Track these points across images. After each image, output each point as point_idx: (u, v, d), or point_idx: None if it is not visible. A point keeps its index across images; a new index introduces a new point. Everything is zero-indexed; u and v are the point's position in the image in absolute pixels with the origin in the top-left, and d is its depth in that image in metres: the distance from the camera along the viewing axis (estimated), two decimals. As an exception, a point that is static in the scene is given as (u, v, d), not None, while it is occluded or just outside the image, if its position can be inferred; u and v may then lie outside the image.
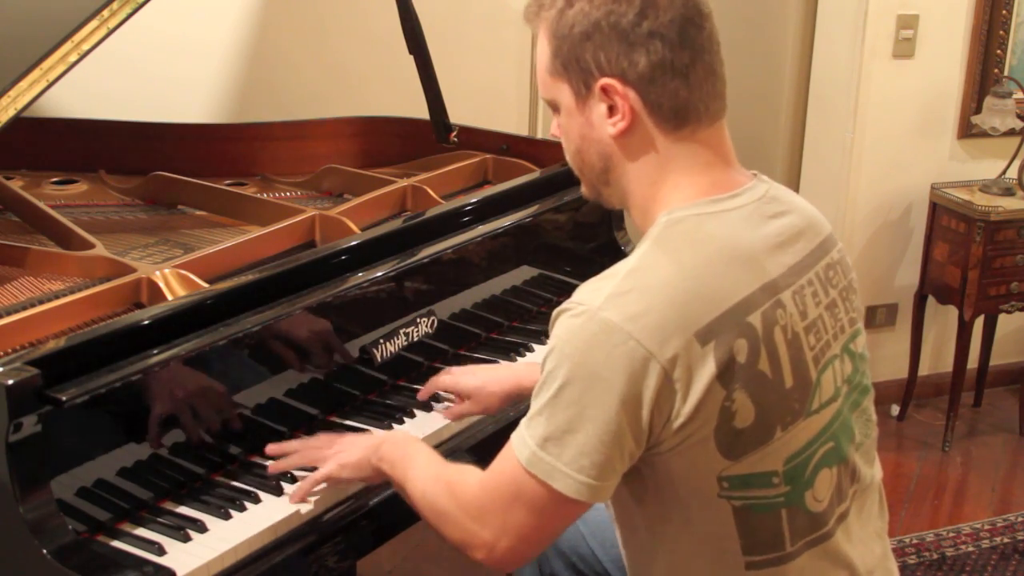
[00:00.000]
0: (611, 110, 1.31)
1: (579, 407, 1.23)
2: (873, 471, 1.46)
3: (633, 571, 1.44)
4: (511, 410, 1.82)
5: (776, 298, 1.30)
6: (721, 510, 1.30)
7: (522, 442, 1.28)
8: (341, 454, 1.57)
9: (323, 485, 1.58)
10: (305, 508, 1.56)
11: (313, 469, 1.59)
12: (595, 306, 1.24)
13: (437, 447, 1.75)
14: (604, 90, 1.30)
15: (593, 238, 2.34)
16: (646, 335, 1.21)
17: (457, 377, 1.81)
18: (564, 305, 1.28)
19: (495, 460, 1.34)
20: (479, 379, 1.79)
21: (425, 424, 1.79)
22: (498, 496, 1.31)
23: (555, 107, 1.38)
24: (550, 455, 1.25)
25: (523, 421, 1.30)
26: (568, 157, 1.41)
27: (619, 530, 1.44)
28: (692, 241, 1.29)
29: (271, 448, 1.64)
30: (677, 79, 1.29)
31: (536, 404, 1.28)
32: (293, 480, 1.60)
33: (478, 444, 1.81)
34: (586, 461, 1.24)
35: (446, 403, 1.84)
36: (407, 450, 1.51)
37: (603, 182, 1.38)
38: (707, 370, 1.23)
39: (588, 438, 1.24)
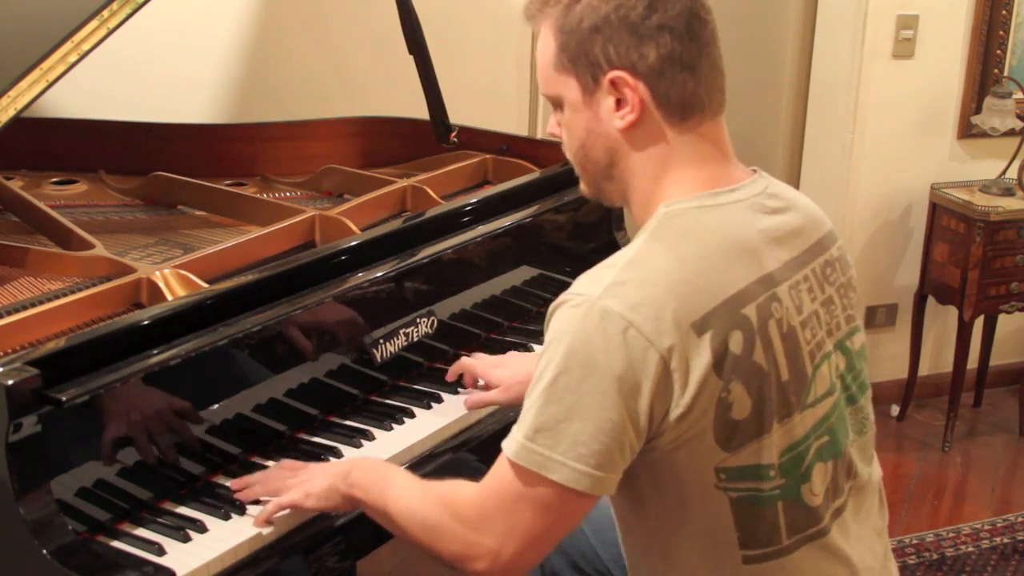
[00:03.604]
0: (619, 103, 1.32)
1: (576, 395, 1.23)
2: (871, 469, 1.47)
3: (632, 567, 1.45)
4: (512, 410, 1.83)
5: (771, 291, 1.31)
6: (719, 502, 1.31)
7: (511, 438, 1.28)
8: (307, 483, 1.53)
9: (286, 511, 1.53)
10: (267, 531, 1.51)
11: None
12: (595, 295, 1.24)
13: (437, 448, 1.75)
14: (613, 83, 1.31)
15: (593, 238, 2.34)
16: (645, 324, 1.22)
17: (488, 370, 1.83)
18: (562, 297, 1.28)
19: (492, 468, 1.32)
20: (510, 370, 1.81)
21: (425, 424, 1.78)
22: (499, 500, 1.29)
23: (557, 103, 1.38)
24: (541, 446, 1.24)
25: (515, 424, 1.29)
26: (569, 154, 1.41)
27: (618, 526, 1.44)
28: (690, 233, 1.30)
29: (235, 483, 1.58)
30: (685, 72, 1.31)
31: (527, 401, 1.27)
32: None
33: (481, 444, 1.80)
34: (584, 450, 1.23)
35: (471, 390, 1.86)
36: (380, 472, 1.48)
37: (606, 177, 1.38)
38: (703, 360, 1.24)
39: (586, 426, 1.23)
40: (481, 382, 1.86)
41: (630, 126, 1.32)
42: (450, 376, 1.88)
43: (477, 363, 1.87)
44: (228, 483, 1.59)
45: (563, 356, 1.24)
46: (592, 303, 1.24)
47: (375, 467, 1.50)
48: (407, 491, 1.41)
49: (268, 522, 1.51)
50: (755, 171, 1.41)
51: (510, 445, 1.27)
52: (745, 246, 1.31)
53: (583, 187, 1.44)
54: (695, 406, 1.24)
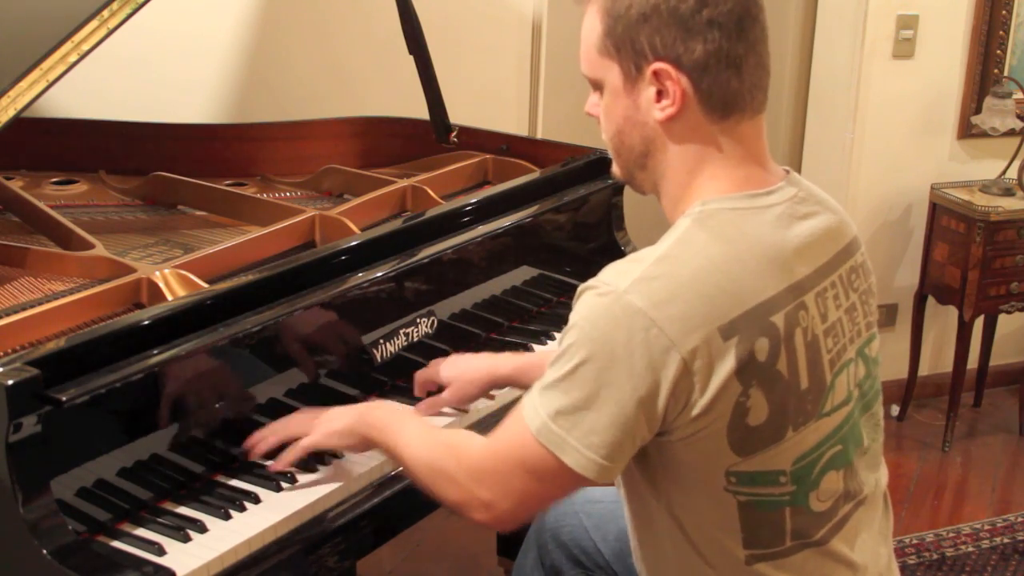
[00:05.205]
0: (660, 95, 1.31)
1: (595, 386, 1.24)
2: (878, 475, 1.47)
3: (640, 550, 1.45)
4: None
5: (800, 300, 1.31)
6: (726, 503, 1.31)
7: (534, 411, 1.29)
8: (327, 423, 1.59)
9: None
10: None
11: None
12: (622, 288, 1.24)
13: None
14: (656, 74, 1.30)
15: (593, 238, 2.34)
16: (669, 324, 1.22)
17: (436, 368, 1.83)
18: (590, 282, 1.28)
19: (503, 425, 1.35)
20: (458, 369, 1.81)
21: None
22: (504, 460, 1.32)
23: (597, 86, 1.37)
24: (560, 428, 1.26)
25: (535, 388, 1.30)
26: (606, 137, 1.40)
27: (628, 507, 1.45)
28: (725, 235, 1.29)
29: (250, 440, 1.61)
30: (730, 69, 1.29)
31: (551, 375, 1.28)
32: (293, 480, 1.60)
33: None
34: (596, 439, 1.25)
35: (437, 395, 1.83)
36: (396, 415, 1.55)
37: (639, 166, 1.38)
38: (727, 365, 1.24)
39: (601, 418, 1.24)
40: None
41: (669, 119, 1.32)
42: (419, 392, 1.84)
43: (428, 368, 1.85)
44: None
45: (585, 345, 1.25)
46: (618, 296, 1.24)
47: (392, 410, 1.58)
48: (419, 435, 1.47)
49: (287, 466, 1.58)
50: (787, 172, 1.40)
51: (533, 419, 1.29)
52: (778, 253, 1.31)
53: (616, 170, 1.43)
54: (712, 408, 1.25)
